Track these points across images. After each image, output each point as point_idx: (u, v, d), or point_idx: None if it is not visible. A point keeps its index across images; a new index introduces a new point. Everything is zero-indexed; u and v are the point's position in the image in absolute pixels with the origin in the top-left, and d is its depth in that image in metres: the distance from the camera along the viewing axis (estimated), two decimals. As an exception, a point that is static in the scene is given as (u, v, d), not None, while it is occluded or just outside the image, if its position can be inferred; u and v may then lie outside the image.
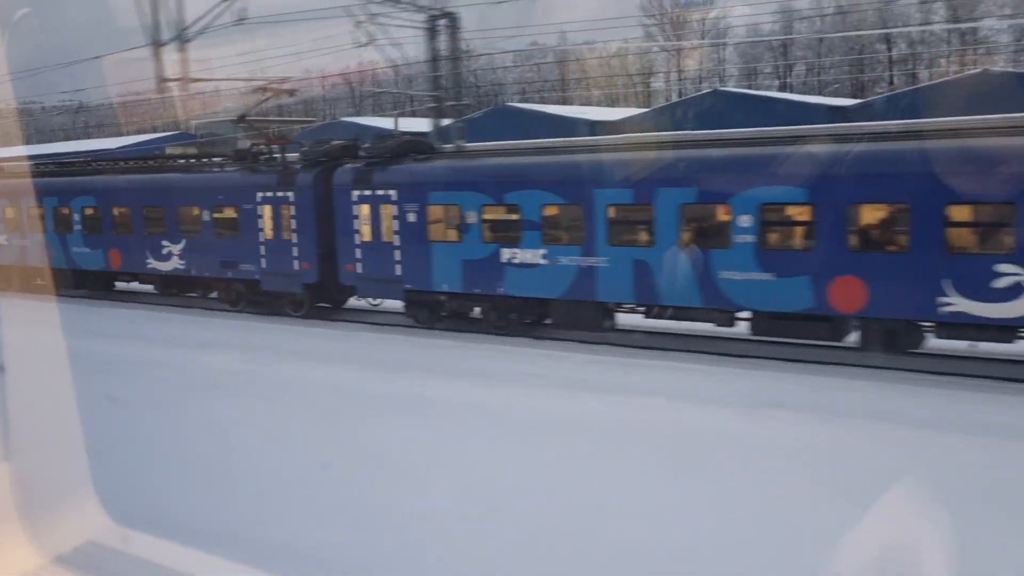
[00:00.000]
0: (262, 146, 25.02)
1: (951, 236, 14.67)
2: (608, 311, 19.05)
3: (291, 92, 25.09)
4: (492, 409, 14.31)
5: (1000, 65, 59.13)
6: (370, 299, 23.39)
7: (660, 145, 19.03)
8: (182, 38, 17.97)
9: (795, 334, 16.87)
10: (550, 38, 72.72)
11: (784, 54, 68.19)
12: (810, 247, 15.87)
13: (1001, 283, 14.18)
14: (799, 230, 16.12)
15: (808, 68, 67.30)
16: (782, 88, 68.16)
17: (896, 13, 60.74)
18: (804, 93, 63.76)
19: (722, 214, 16.69)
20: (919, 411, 13.07)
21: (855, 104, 45.00)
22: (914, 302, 14.97)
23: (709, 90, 51.12)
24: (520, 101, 68.62)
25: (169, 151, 39.58)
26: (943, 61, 63.53)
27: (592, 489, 10.39)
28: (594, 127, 44.79)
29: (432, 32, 21.09)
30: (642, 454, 11.53)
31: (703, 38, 70.54)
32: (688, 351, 17.97)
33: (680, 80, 71.49)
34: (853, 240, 15.48)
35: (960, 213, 14.71)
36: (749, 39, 66.49)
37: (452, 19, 21.08)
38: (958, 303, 14.58)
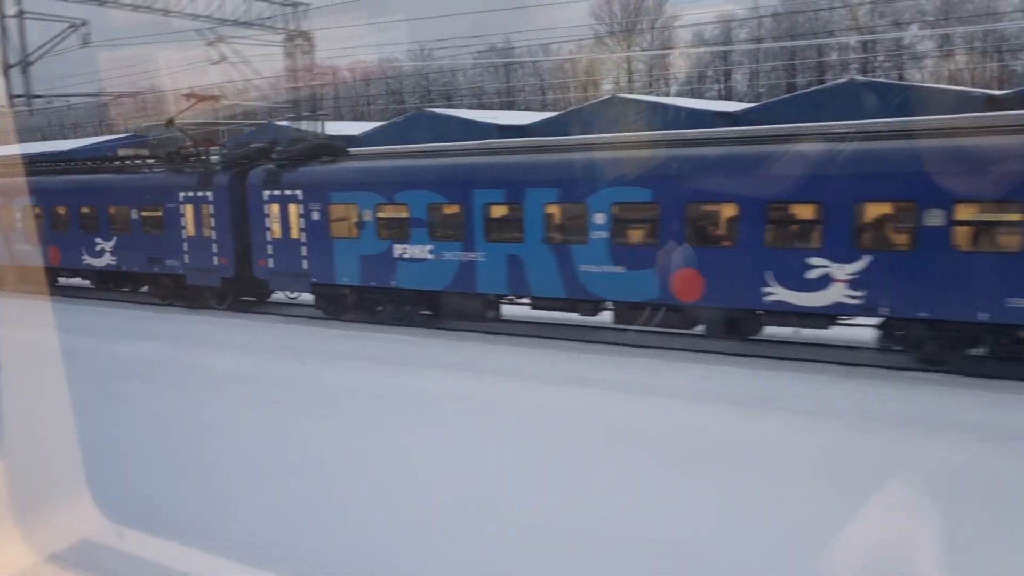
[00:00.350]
0: (190, 148, 26.15)
1: (771, 232, 15.95)
2: (491, 302, 20.25)
3: (217, 99, 26.14)
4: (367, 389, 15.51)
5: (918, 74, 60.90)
6: (288, 292, 24.56)
7: (531, 149, 20.24)
8: (26, 61, 19.04)
9: (651, 323, 18.14)
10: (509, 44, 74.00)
11: (725, 59, 69.89)
12: (655, 242, 17.11)
13: (813, 274, 15.48)
14: (645, 227, 17.35)
15: (752, 73, 68.88)
16: (722, 93, 69.74)
17: (826, 20, 62.47)
18: (743, 98, 65.43)
19: (580, 212, 17.92)
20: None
21: (741, 110, 46.54)
22: (742, 292, 16.23)
23: (607, 96, 52.76)
24: (478, 106, 69.91)
25: (122, 152, 40.49)
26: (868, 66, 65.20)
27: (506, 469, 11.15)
28: (501, 131, 46.21)
29: (290, 50, 22.29)
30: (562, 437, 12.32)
31: (652, 43, 72.05)
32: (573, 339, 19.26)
33: (630, 83, 72.95)
34: (691, 236, 16.75)
35: (778, 211, 15.98)
36: (693, 47, 68.12)
37: (307, 37, 22.25)
38: (779, 293, 15.86)
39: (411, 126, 52.76)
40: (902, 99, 36.33)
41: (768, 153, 16.13)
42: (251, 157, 24.40)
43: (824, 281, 15.34)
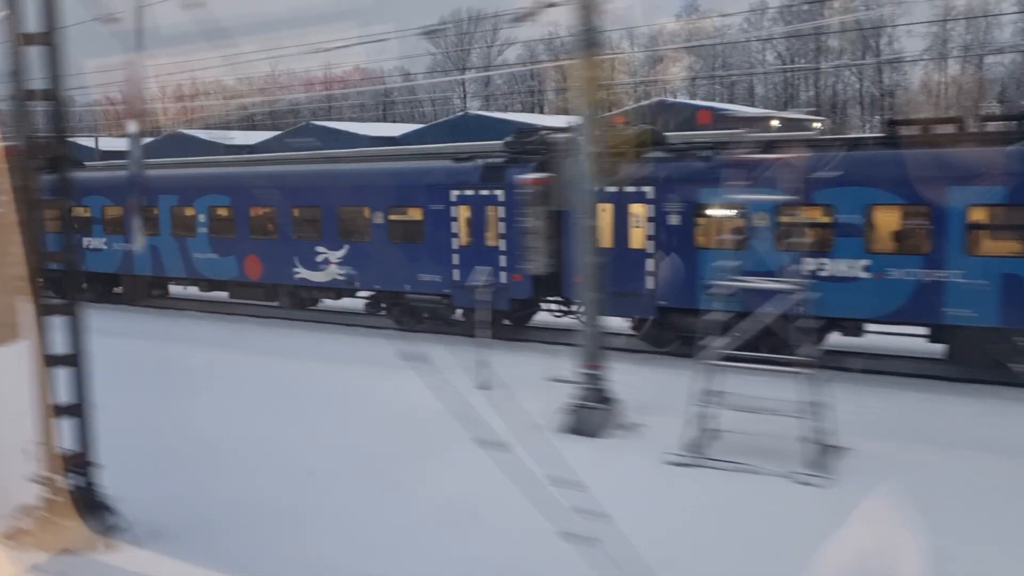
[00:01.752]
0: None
1: (296, 228, 20.66)
2: (153, 282, 24.80)
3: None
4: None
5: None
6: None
7: (170, 165, 24.88)
8: None
9: (251, 297, 22.77)
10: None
11: (538, 78, 75.55)
12: (232, 236, 21.77)
13: (319, 259, 20.25)
14: (227, 224, 21.97)
15: (560, 90, 74.25)
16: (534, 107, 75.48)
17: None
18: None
19: (191, 213, 22.51)
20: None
21: (404, 133, 52.75)
22: (284, 272, 20.91)
23: (303, 123, 58.64)
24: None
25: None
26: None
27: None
28: (228, 149, 51.14)
29: None
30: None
31: (487, 65, 77.10)
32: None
33: (465, 103, 77.84)
34: (253, 230, 21.44)
35: (298, 212, 20.63)
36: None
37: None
38: (303, 272, 20.58)
39: (167, 143, 58.26)
40: (499, 129, 42.14)
41: (290, 171, 20.96)
42: None
43: (325, 264, 20.12)
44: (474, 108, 79.28)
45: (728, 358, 10.88)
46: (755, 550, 8.52)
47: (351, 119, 72.18)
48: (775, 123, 42.77)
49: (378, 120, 73.75)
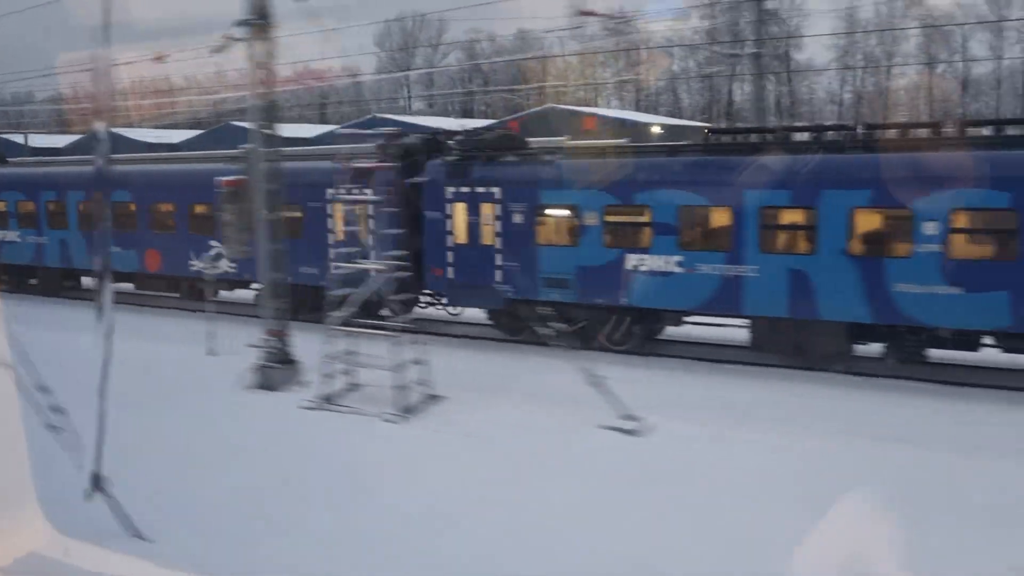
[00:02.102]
0: None
1: (193, 224, 22.12)
2: (65, 275, 26.02)
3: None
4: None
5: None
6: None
7: (80, 163, 26.21)
8: None
9: (154, 288, 24.16)
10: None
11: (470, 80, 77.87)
12: (134, 230, 23.09)
13: (213, 252, 21.71)
14: (129, 219, 23.13)
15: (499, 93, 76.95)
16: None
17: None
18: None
19: (121, 211, 23.75)
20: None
21: (318, 134, 55.60)
22: (180, 265, 22.28)
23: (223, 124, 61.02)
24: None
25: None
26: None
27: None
28: (149, 147, 53.40)
29: None
30: None
31: (430, 65, 79.09)
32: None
33: (409, 102, 79.57)
34: (153, 225, 22.83)
35: (197, 210, 22.13)
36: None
37: None
38: (198, 265, 22.08)
39: (90, 141, 59.46)
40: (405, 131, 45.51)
41: (186, 169, 22.51)
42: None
43: (219, 257, 21.61)
44: (417, 109, 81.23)
45: (348, 324, 13.91)
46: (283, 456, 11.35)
47: (290, 120, 73.85)
48: (656, 129, 44.72)
49: (318, 121, 75.18)
